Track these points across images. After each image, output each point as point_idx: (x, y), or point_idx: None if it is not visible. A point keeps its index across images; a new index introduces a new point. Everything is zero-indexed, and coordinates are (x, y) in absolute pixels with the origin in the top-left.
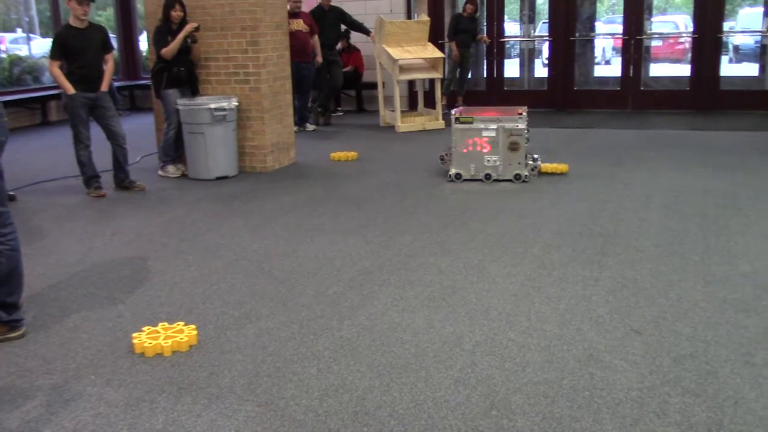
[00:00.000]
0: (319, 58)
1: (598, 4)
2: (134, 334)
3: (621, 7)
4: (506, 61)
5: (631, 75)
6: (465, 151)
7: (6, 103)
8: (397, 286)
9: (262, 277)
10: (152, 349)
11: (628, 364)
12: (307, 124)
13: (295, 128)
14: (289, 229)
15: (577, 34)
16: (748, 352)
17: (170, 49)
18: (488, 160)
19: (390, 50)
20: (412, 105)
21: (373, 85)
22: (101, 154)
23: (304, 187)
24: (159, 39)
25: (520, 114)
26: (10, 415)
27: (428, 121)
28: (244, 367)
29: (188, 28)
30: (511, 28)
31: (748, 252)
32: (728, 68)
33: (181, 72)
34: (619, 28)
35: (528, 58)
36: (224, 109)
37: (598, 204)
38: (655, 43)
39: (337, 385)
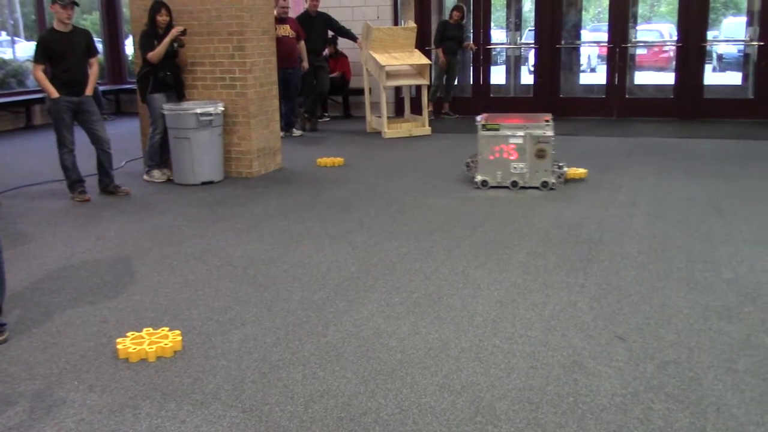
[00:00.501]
0: (306, 64)
1: (584, 13)
2: (118, 340)
3: (606, 16)
4: (492, 68)
5: (616, 83)
6: (492, 158)
7: None
8: (383, 291)
9: (248, 282)
10: (136, 355)
11: (613, 370)
12: (294, 130)
13: (282, 134)
14: (274, 234)
15: (563, 42)
16: (730, 358)
17: (157, 52)
18: (515, 168)
19: (377, 56)
20: (398, 111)
21: (360, 91)
22: (86, 159)
23: (290, 193)
24: (145, 43)
25: (547, 121)
26: None
27: (415, 127)
28: (229, 373)
29: (174, 31)
30: (498, 35)
31: (731, 259)
32: (712, 77)
33: (167, 76)
34: (604, 37)
35: (514, 65)
36: (210, 114)
37: (584, 211)
38: (639, 52)
39: (322, 391)
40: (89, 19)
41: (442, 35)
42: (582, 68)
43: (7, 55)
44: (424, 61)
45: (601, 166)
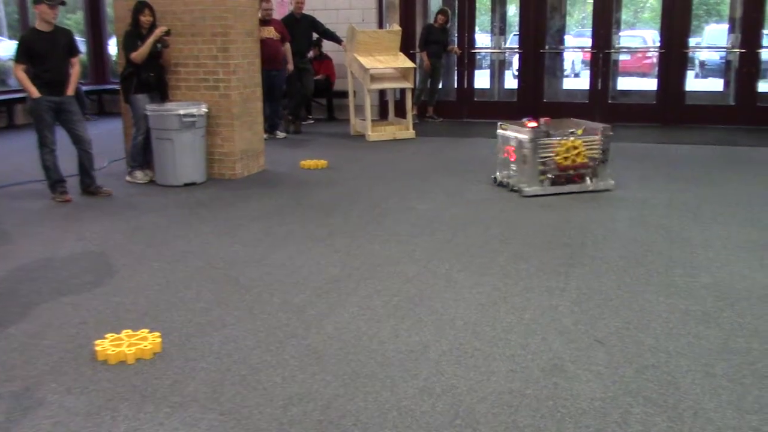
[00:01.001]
0: (290, 66)
1: (568, 18)
2: (97, 342)
3: (590, 21)
4: (477, 72)
5: (599, 88)
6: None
7: None
8: (364, 294)
9: (229, 284)
10: (115, 357)
11: (592, 374)
12: (277, 132)
13: (265, 136)
14: (256, 236)
15: (546, 47)
16: (708, 363)
17: (140, 53)
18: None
19: (361, 59)
20: (382, 114)
21: (344, 94)
22: (67, 159)
23: (272, 195)
24: (128, 43)
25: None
26: None
27: (399, 130)
28: (209, 375)
29: (158, 32)
30: (482, 39)
31: (709, 264)
32: (694, 83)
33: (151, 77)
34: (588, 42)
35: (498, 69)
36: (193, 116)
37: (566, 215)
38: (623, 57)
39: (302, 393)
40: (73, 19)
41: (427, 39)
42: (566, 73)
43: None
44: (409, 64)
45: None
